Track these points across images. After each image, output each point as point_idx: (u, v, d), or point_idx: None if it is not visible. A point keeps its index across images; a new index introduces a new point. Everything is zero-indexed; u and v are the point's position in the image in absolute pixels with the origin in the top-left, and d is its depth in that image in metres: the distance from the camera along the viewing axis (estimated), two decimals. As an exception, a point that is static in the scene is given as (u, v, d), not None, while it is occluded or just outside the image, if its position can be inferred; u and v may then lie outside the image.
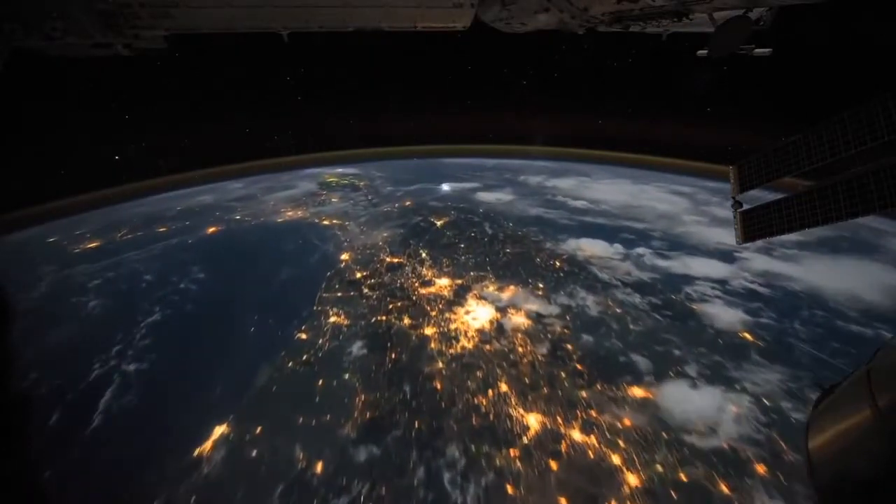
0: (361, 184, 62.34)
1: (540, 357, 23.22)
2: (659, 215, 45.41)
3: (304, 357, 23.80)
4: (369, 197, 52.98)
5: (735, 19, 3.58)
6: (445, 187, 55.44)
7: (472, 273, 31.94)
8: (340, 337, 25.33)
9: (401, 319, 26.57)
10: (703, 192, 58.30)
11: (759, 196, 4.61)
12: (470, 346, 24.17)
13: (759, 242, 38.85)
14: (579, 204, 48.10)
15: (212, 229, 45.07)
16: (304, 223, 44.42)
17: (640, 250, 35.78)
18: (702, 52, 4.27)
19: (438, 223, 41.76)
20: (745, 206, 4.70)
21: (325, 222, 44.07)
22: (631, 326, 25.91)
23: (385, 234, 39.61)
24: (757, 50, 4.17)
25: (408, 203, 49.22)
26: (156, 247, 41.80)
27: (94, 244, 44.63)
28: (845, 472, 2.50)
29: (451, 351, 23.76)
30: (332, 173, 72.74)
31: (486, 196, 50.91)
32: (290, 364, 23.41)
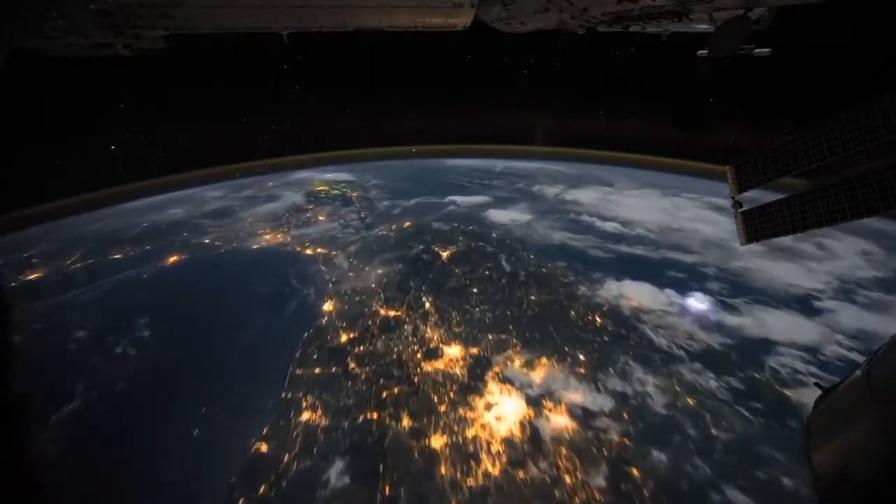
0: (354, 195, 54.85)
1: (597, 494, 16.28)
2: (706, 242, 38.16)
3: (262, 489, 16.83)
4: (362, 214, 45.59)
5: (735, 19, 3.56)
6: (450, 202, 47.99)
7: (490, 336, 24.85)
8: (315, 450, 18.31)
9: (398, 418, 19.56)
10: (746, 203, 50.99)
11: (755, 196, 4.41)
12: (496, 471, 17.20)
13: (835, 283, 31.09)
14: (610, 227, 40.76)
15: (173, 259, 37.79)
16: (283, 252, 37.11)
17: (699, 298, 28.68)
18: (702, 52, 4.18)
19: (444, 255, 34.50)
20: (745, 207, 4.49)
21: (308, 251, 36.79)
22: (713, 431, 18.95)
23: (379, 271, 32.39)
24: (757, 50, 4.08)
25: (407, 224, 41.85)
26: (104, 284, 34.59)
27: (37, 275, 37.32)
28: (846, 472, 2.42)
29: (470, 481, 16.79)
30: (323, 180, 65.26)
31: (498, 215, 43.52)
32: (241, 503, 16.46)
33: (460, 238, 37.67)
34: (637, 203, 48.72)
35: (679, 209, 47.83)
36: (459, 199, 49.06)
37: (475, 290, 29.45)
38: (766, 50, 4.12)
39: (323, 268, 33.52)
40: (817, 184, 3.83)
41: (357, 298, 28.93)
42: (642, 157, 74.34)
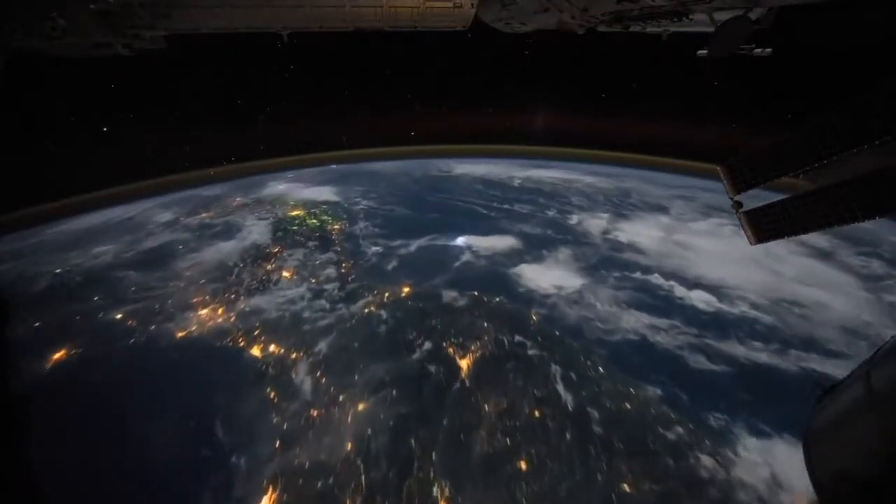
0: (336, 228, 42.03)
1: None
2: (845, 329, 25.83)
3: None
4: (343, 268, 32.92)
5: (735, 19, 3.59)
6: (464, 247, 35.31)
7: None
8: None
9: None
10: (843, 246, 38.68)
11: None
12: None
13: None
14: (699, 300, 28.26)
15: (58, 355, 25.31)
16: (217, 351, 24.58)
17: None
18: (702, 52, 4.22)
19: (463, 366, 22.19)
20: (746, 207, 4.39)
21: (256, 351, 24.30)
22: None
23: (361, 408, 20.02)
24: (757, 50, 4.18)
25: (405, 291, 29.29)
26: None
27: None
28: (845, 472, 2.44)
29: None
30: (300, 199, 52.33)
31: (534, 274, 30.89)
32: None
33: (485, 325, 25.20)
34: (716, 248, 36.11)
35: (775, 259, 35.23)
36: (476, 240, 36.30)
37: (523, 466, 17.17)
38: (766, 50, 4.16)
39: (272, 395, 21.06)
40: (821, 183, 3.63)
41: (319, 485, 16.61)
42: (677, 162, 63.33)
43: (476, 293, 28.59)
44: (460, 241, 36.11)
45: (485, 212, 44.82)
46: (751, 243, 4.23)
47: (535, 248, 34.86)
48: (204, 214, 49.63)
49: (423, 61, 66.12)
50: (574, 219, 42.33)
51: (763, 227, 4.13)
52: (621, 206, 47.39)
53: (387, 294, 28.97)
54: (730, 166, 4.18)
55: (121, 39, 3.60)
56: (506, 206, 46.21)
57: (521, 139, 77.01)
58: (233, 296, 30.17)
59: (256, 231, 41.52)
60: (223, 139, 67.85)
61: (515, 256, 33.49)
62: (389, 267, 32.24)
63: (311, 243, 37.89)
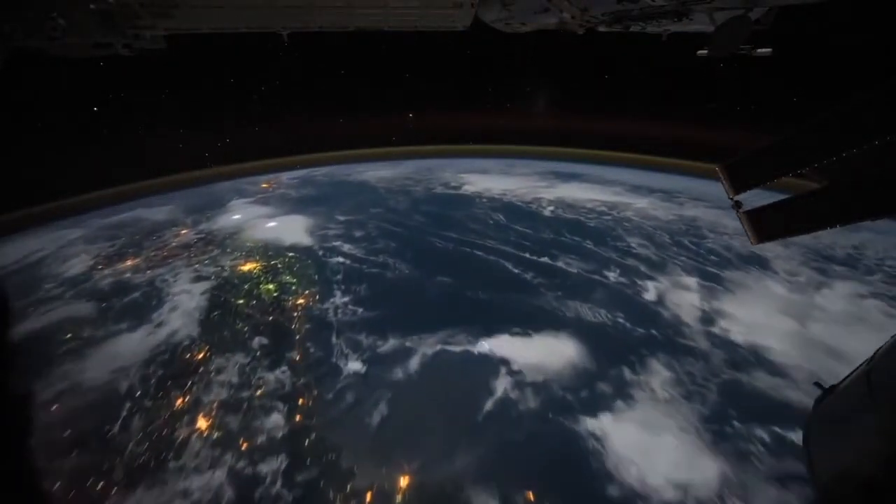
0: (300, 304, 28.64)
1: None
2: None
3: None
4: (296, 414, 19.41)
5: (735, 19, 3.51)
6: (498, 362, 22.08)
7: None
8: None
9: None
10: None
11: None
12: None
13: None
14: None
15: None
16: None
17: None
18: (702, 52, 4.16)
19: None
20: (746, 207, 4.24)
21: None
22: None
23: None
24: (757, 50, 4.09)
25: (402, 487, 16.28)
26: None
27: None
28: (845, 472, 2.38)
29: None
30: (261, 242, 38.72)
31: (628, 444, 17.54)
32: None
33: None
34: None
35: None
36: (515, 346, 22.96)
37: None
38: (766, 50, 4.07)
39: None
40: (823, 182, 3.50)
41: None
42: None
43: (531, 496, 15.63)
44: (491, 346, 22.88)
45: (517, 271, 31.41)
46: (752, 243, 4.03)
47: (611, 364, 21.64)
48: (129, 262, 36.26)
49: (421, 57, 52.23)
50: (650, 289, 28.97)
51: (764, 226, 3.94)
52: (702, 259, 34.09)
53: (369, 496, 15.95)
54: (729, 166, 4.02)
55: (121, 39, 3.48)
56: (544, 261, 32.78)
57: (530, 139, 64.25)
58: (102, 482, 17.10)
59: (183, 308, 28.14)
60: (196, 138, 54.95)
61: (584, 387, 20.27)
62: (375, 417, 18.94)
63: (256, 341, 24.57)
